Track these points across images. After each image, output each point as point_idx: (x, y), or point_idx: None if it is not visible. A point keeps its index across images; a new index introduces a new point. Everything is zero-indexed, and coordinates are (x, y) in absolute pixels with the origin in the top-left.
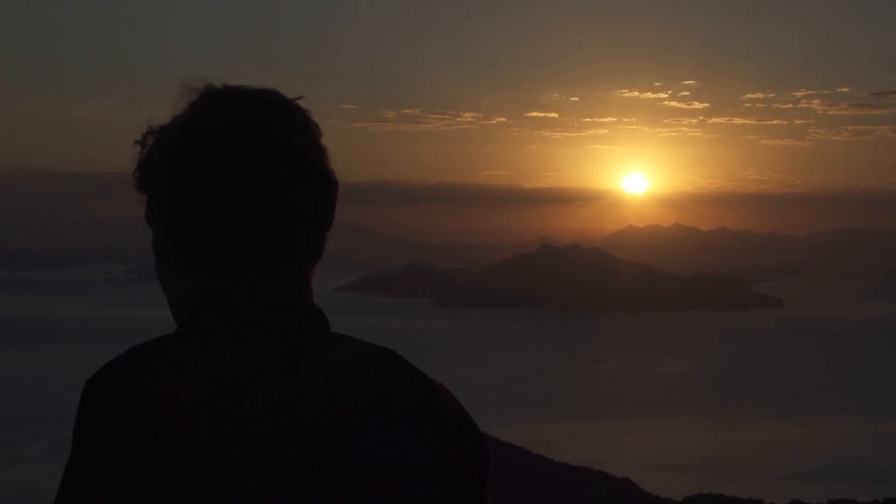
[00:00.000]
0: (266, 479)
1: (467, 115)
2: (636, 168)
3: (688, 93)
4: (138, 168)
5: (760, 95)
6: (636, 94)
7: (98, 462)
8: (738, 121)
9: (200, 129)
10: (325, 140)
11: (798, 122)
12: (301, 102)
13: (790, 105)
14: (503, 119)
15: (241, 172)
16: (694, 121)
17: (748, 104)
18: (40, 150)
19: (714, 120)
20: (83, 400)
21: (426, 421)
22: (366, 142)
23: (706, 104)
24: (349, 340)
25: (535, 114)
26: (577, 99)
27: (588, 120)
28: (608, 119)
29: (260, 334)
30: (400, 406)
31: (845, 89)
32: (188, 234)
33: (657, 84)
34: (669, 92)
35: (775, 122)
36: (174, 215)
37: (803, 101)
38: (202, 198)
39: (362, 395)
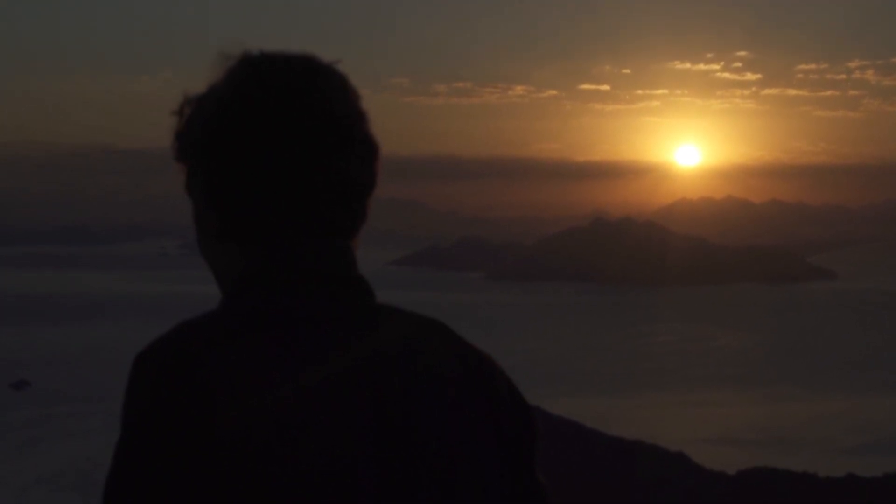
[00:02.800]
0: (322, 455)
1: (519, 88)
2: (688, 140)
3: (740, 64)
4: (177, 138)
5: (814, 66)
6: (688, 65)
7: (149, 440)
8: (791, 92)
9: (241, 97)
10: (377, 115)
11: (851, 92)
12: (345, 69)
13: (843, 76)
14: (555, 92)
15: (283, 139)
16: (746, 92)
17: (801, 75)
18: (95, 127)
19: (767, 91)
20: (132, 376)
21: (478, 392)
22: (417, 116)
23: (759, 75)
24: (397, 312)
25: (586, 86)
26: (628, 71)
27: (640, 92)
28: (660, 91)
29: (309, 307)
30: (452, 378)
31: None
32: (231, 204)
33: (709, 55)
34: (722, 63)
35: (828, 92)
36: (216, 185)
37: (857, 71)
38: (245, 166)
39: (415, 368)
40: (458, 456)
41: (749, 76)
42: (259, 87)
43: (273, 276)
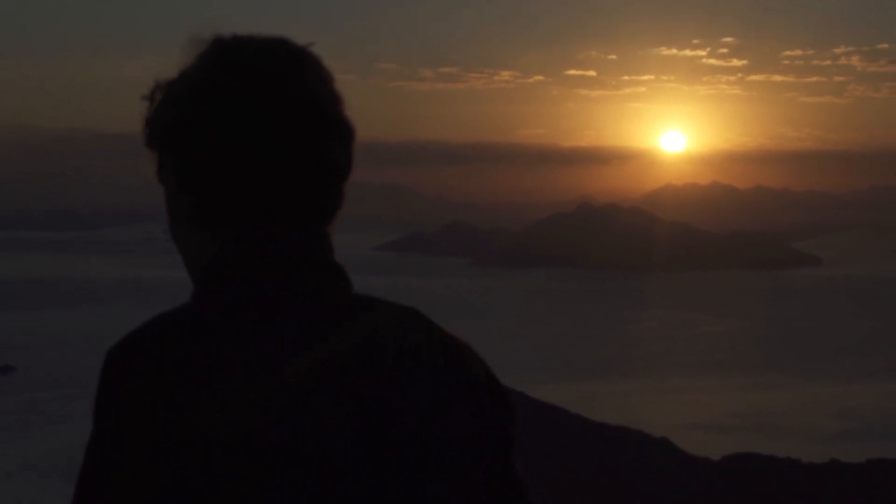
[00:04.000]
0: (302, 446)
1: (505, 73)
2: (674, 126)
3: (726, 50)
4: (147, 124)
5: (799, 52)
6: (674, 51)
7: (122, 438)
8: (777, 78)
9: (214, 81)
10: (364, 100)
11: (837, 78)
12: (322, 52)
13: (829, 62)
14: (541, 77)
15: (257, 123)
16: (732, 78)
17: (787, 61)
18: (82, 111)
19: (753, 77)
20: (104, 372)
21: (456, 381)
22: (404, 101)
23: (745, 61)
24: (374, 301)
25: (572, 72)
26: (615, 57)
27: (626, 78)
28: (646, 77)
29: (285, 296)
30: (430, 367)
31: (885, 45)
32: (204, 189)
33: (696, 41)
34: (708, 49)
35: (814, 79)
36: (189, 170)
37: (842, 57)
38: (218, 151)
39: (393, 358)
40: (437, 445)
41: (735, 62)
42: (231, 70)
43: (247, 264)
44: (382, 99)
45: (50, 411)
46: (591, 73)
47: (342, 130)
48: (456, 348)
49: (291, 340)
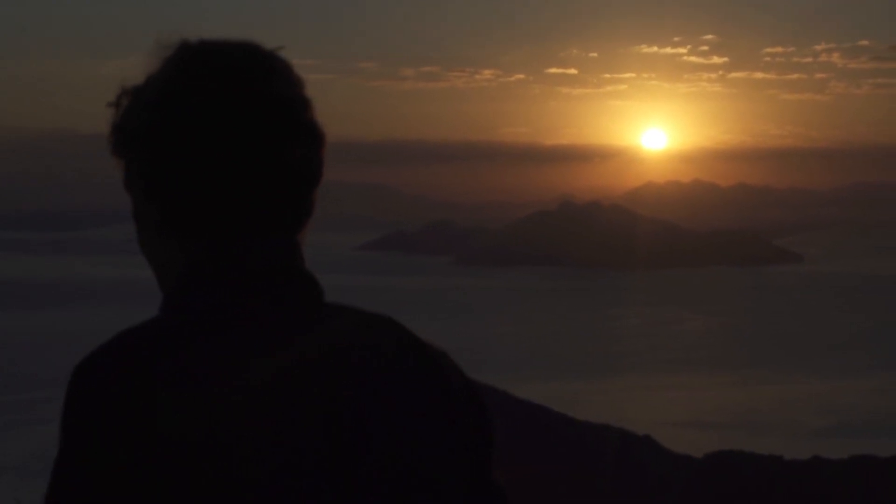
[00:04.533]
0: (272, 458)
1: (486, 72)
2: (655, 124)
3: (707, 47)
4: (114, 131)
5: (780, 49)
6: (655, 49)
7: (90, 456)
8: (758, 75)
9: (181, 86)
10: (345, 99)
11: (818, 75)
12: (290, 55)
13: (810, 59)
14: (522, 76)
15: (225, 129)
16: (713, 75)
17: (768, 58)
18: (61, 111)
19: (734, 74)
20: (72, 389)
21: (430, 389)
22: (385, 100)
23: (726, 59)
24: (345, 309)
25: (554, 70)
26: (596, 55)
27: (607, 76)
28: (627, 75)
29: (255, 307)
30: (403, 374)
31: (865, 42)
32: (172, 197)
33: (676, 39)
34: (689, 46)
35: (795, 76)
36: (157, 178)
37: (823, 54)
38: (186, 157)
39: (364, 366)
40: (410, 455)
41: (716, 59)
42: (198, 75)
43: (216, 274)
44: (364, 98)
45: (33, 412)
46: (573, 71)
47: (312, 136)
48: (430, 356)
49: (259, 351)
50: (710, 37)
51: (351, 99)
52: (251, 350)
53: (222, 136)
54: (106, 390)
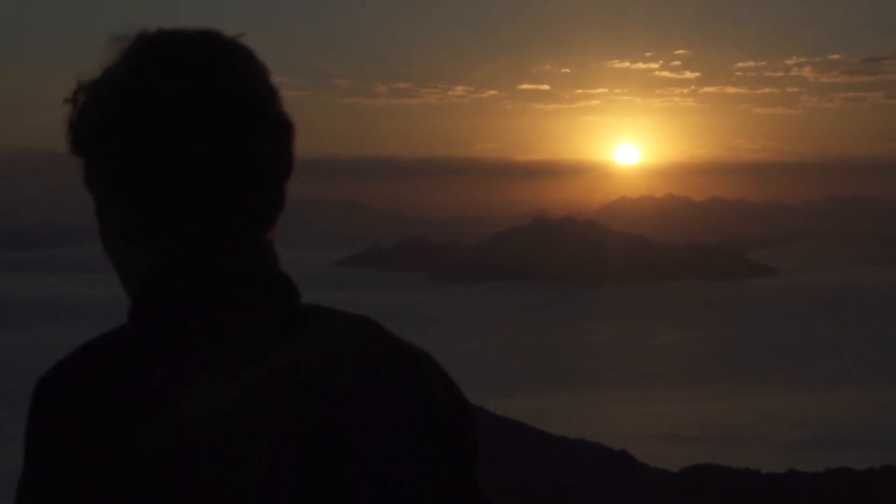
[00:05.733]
0: (240, 475)
1: (459, 88)
2: (628, 139)
3: (679, 62)
4: (71, 129)
5: (752, 63)
6: (627, 64)
7: (53, 472)
8: (730, 89)
9: (139, 80)
10: (317, 116)
11: (790, 89)
12: (252, 44)
13: (781, 73)
14: (495, 92)
15: (187, 123)
16: (686, 90)
17: (739, 73)
18: (36, 129)
19: (706, 89)
20: (34, 404)
21: (410, 392)
22: (358, 117)
23: (697, 73)
24: (324, 311)
25: (526, 86)
26: (568, 70)
27: (580, 91)
28: (600, 90)
29: (225, 312)
30: (382, 378)
31: (836, 56)
32: (134, 198)
33: (648, 54)
34: (661, 62)
35: (767, 90)
36: (117, 177)
37: (794, 68)
38: (146, 155)
39: (341, 370)
40: (388, 460)
41: (688, 74)
42: (157, 67)
43: (182, 279)
44: (336, 115)
45: (8, 431)
46: (545, 86)
47: (279, 127)
48: (412, 359)
49: (228, 361)
50: (681, 51)
51: (324, 115)
52: (219, 360)
53: (184, 132)
54: (67, 405)
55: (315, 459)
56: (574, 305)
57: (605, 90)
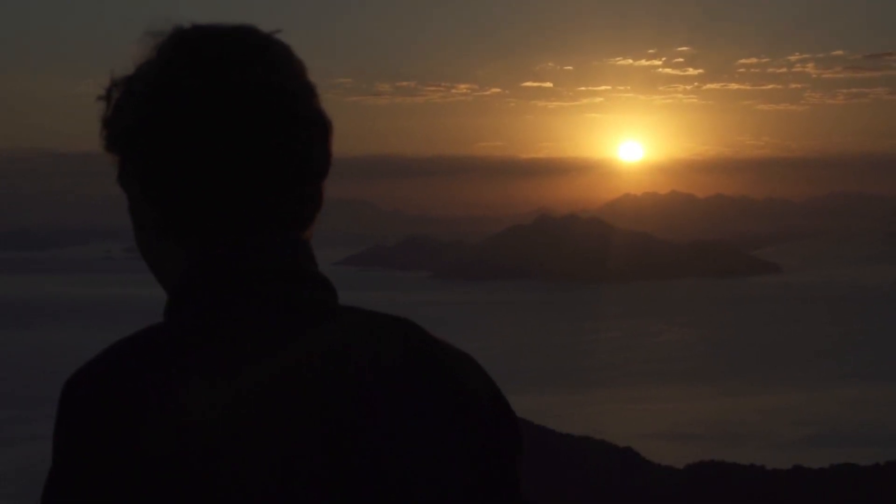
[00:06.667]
0: (264, 474)
1: (462, 86)
2: (632, 136)
3: (682, 59)
4: (105, 125)
5: (755, 60)
6: (630, 61)
7: (81, 473)
8: (733, 86)
9: (174, 76)
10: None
11: (793, 86)
12: (281, 38)
13: (784, 69)
14: (498, 90)
15: (223, 120)
16: (689, 87)
17: (742, 69)
18: (36, 130)
19: (709, 86)
20: (62, 404)
21: (447, 397)
22: (361, 116)
23: (701, 70)
24: (360, 312)
25: (529, 84)
26: (571, 68)
27: (583, 89)
28: (603, 87)
29: (260, 312)
30: (416, 381)
31: (839, 52)
32: (169, 195)
33: (651, 51)
34: (664, 59)
35: (770, 86)
36: (152, 176)
37: (797, 64)
38: (182, 152)
39: (373, 373)
40: (419, 467)
41: (691, 71)
42: (192, 64)
43: (217, 276)
44: (339, 114)
45: (7, 432)
46: (548, 84)
47: (316, 124)
48: (450, 362)
49: (256, 360)
50: (684, 48)
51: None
52: (247, 360)
53: (218, 128)
54: (94, 406)
55: (335, 459)
56: (577, 303)
57: (609, 87)
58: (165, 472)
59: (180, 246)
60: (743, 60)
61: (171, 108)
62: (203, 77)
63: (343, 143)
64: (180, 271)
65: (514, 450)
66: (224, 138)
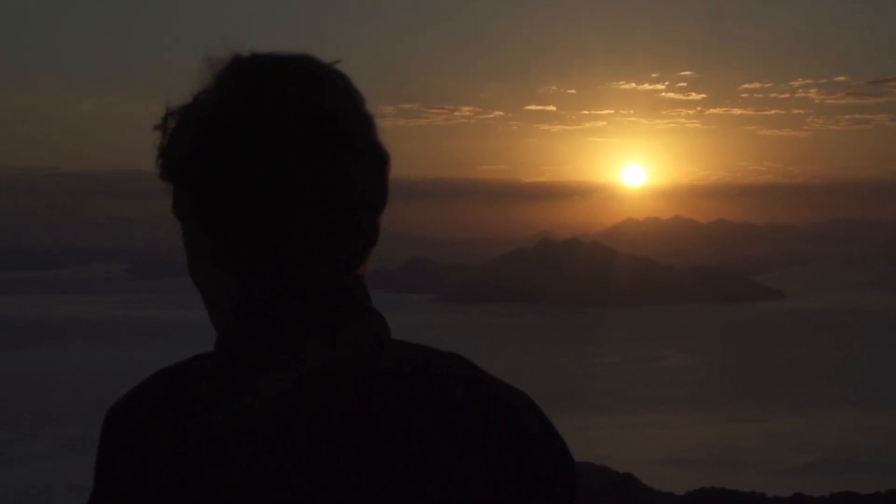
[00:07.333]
0: None
1: (465, 109)
2: (634, 160)
3: (685, 84)
4: (161, 155)
5: (757, 85)
6: (633, 85)
7: (120, 500)
8: (736, 111)
9: (231, 106)
10: None
11: (795, 111)
12: (340, 67)
13: (787, 94)
14: (501, 113)
15: (279, 151)
16: (692, 112)
17: (745, 94)
18: (38, 148)
19: (712, 110)
20: (103, 431)
21: (497, 435)
22: None
23: (703, 95)
24: (412, 349)
25: (532, 107)
26: (574, 91)
27: (586, 112)
28: (606, 111)
29: (306, 349)
30: (465, 416)
31: (842, 78)
32: (224, 227)
33: (654, 75)
34: (667, 83)
35: (773, 111)
36: (207, 206)
37: (800, 90)
38: (237, 184)
39: (422, 407)
40: (461, 495)
41: (694, 96)
42: (249, 94)
43: (270, 310)
44: None
45: (9, 451)
46: (551, 108)
47: (373, 157)
48: (506, 400)
49: (307, 397)
50: (687, 73)
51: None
52: (296, 396)
53: (275, 160)
54: (134, 436)
55: (390, 491)
56: (579, 328)
57: (612, 111)
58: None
59: (233, 276)
60: (746, 85)
61: (227, 137)
62: (260, 108)
63: None
64: (232, 302)
65: (569, 491)
66: (279, 169)
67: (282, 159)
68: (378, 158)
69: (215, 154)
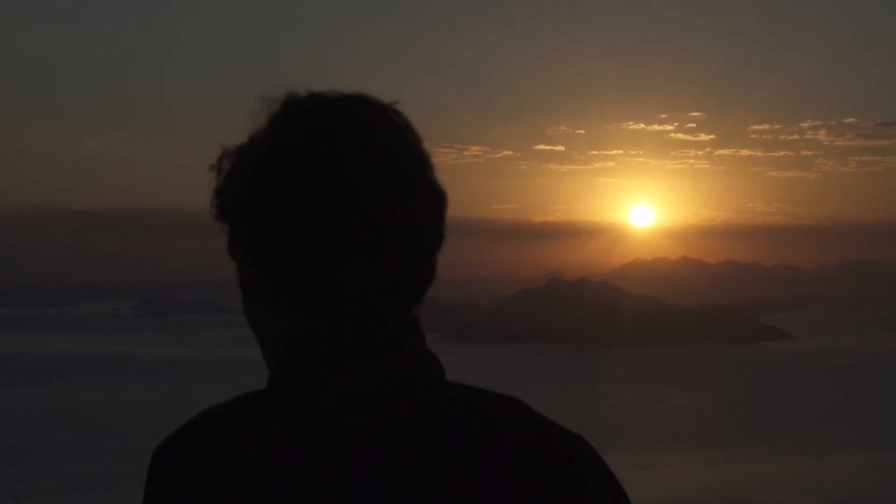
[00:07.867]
0: None
1: (474, 148)
2: (643, 200)
3: (694, 125)
4: (216, 195)
5: (766, 126)
6: (642, 126)
7: None
8: (745, 152)
9: (287, 147)
10: None
11: (805, 152)
12: (404, 109)
13: (796, 136)
14: (510, 152)
15: (335, 191)
16: (700, 153)
17: (754, 135)
18: (46, 186)
19: (721, 151)
20: (150, 469)
21: (553, 479)
22: None
23: (712, 136)
24: (467, 391)
25: (541, 147)
26: (583, 132)
27: (595, 153)
28: (615, 152)
29: (358, 391)
30: (523, 461)
31: (852, 119)
32: (280, 266)
33: (663, 116)
34: (676, 124)
35: (782, 153)
36: (264, 246)
37: (809, 131)
38: (292, 224)
39: (477, 451)
40: None
41: (702, 137)
42: (305, 135)
43: (322, 350)
44: None
45: (16, 488)
46: (560, 147)
47: (430, 196)
48: (564, 444)
49: (356, 438)
50: (696, 114)
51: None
52: (344, 438)
53: (330, 200)
54: (179, 475)
55: None
56: (587, 367)
57: (621, 152)
58: None
59: (286, 314)
60: (755, 126)
61: (283, 177)
62: (316, 147)
63: None
64: (284, 340)
65: None
66: (335, 209)
67: (338, 199)
68: (435, 197)
69: (272, 194)
